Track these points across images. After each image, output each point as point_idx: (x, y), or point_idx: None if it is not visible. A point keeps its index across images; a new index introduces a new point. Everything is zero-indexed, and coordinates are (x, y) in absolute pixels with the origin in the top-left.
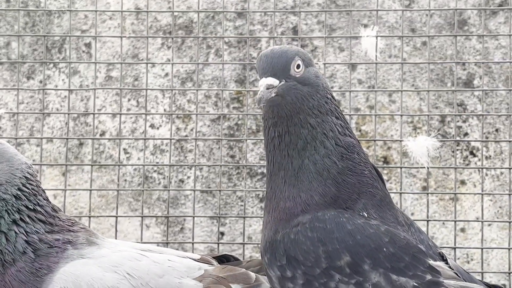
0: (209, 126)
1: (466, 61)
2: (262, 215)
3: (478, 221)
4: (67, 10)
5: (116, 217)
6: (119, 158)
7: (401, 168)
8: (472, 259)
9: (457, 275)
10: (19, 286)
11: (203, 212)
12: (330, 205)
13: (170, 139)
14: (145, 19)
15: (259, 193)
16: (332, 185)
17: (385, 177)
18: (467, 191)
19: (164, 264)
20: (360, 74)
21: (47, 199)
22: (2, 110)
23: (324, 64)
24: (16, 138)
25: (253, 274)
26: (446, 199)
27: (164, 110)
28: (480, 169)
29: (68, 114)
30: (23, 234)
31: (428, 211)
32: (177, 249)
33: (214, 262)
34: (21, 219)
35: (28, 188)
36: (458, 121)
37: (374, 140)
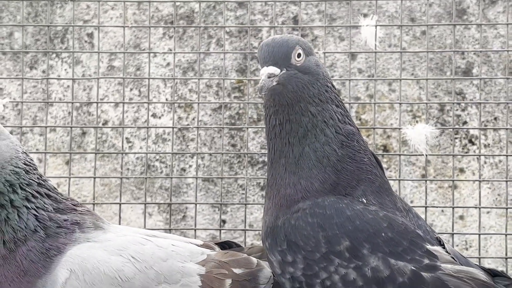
0: (210, 115)
1: (463, 49)
2: (263, 203)
3: (476, 207)
4: (70, 0)
5: (120, 204)
6: (122, 146)
7: (399, 155)
8: (470, 246)
9: (454, 259)
10: (29, 266)
11: (205, 200)
12: (329, 192)
13: (173, 127)
14: (147, 9)
15: (260, 181)
16: (332, 172)
17: (384, 165)
18: (466, 179)
19: (168, 248)
20: (360, 63)
21: (45, 177)
22: (6, 100)
23: (324, 53)
24: (20, 127)
25: (254, 259)
26: (445, 187)
27: (166, 99)
28: (478, 157)
29: (72, 103)
30: (34, 210)
31: (426, 198)
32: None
33: (217, 248)
34: (31, 194)
35: (30, 163)
36: (457, 109)
37: (373, 128)
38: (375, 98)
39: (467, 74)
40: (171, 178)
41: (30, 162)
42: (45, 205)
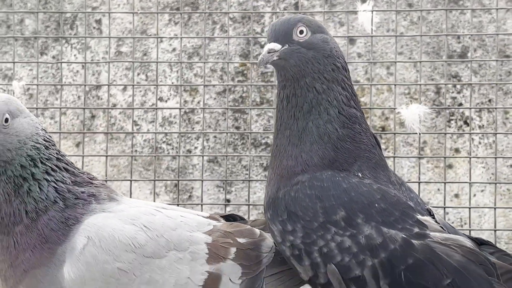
0: (215, 98)
1: (456, 33)
2: (266, 183)
3: (465, 182)
4: None
5: (130, 180)
6: (132, 127)
7: (394, 134)
8: (465, 223)
9: (443, 228)
10: (49, 234)
11: (210, 181)
12: (327, 167)
13: (180, 108)
14: None
15: (263, 162)
16: (331, 149)
17: (383, 146)
18: (461, 158)
19: (177, 219)
20: (359, 48)
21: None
22: (23, 82)
23: None
24: (37, 108)
25: (257, 230)
26: (441, 166)
27: (172, 83)
28: (469, 135)
29: (85, 85)
30: (53, 182)
31: (419, 174)
32: None
33: (222, 220)
34: (51, 168)
35: (48, 139)
36: (452, 92)
37: (370, 108)
38: (371, 80)
39: (462, 58)
40: (178, 156)
41: (49, 139)
42: (64, 178)
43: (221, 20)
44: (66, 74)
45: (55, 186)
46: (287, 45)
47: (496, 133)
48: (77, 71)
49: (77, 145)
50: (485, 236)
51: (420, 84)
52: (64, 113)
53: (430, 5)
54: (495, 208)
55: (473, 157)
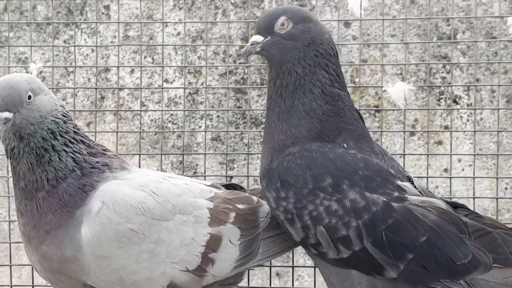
0: (217, 80)
1: (444, 16)
2: (261, 156)
3: (446, 154)
4: None
5: (140, 154)
6: (140, 107)
7: (382, 110)
8: (454, 196)
9: (421, 193)
10: (69, 198)
11: (214, 157)
12: (315, 139)
13: (184, 88)
14: None
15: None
16: (317, 122)
17: (376, 124)
18: (450, 135)
19: (182, 186)
20: (354, 30)
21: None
22: (40, 65)
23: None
24: (52, 88)
25: (255, 198)
26: (431, 142)
27: (177, 66)
28: (457, 111)
29: (97, 67)
30: (71, 153)
31: (404, 147)
32: None
33: (223, 188)
34: (69, 141)
35: (66, 114)
36: (442, 72)
37: (359, 87)
38: (369, 62)
39: (451, 40)
40: (183, 132)
41: (66, 114)
42: (81, 150)
43: (223, 5)
44: (77, 57)
45: (73, 156)
46: (269, 37)
47: (475, 108)
48: (87, 55)
49: (88, 124)
50: (472, 207)
51: (405, 64)
52: (75, 94)
53: None
54: (474, 178)
55: (453, 130)
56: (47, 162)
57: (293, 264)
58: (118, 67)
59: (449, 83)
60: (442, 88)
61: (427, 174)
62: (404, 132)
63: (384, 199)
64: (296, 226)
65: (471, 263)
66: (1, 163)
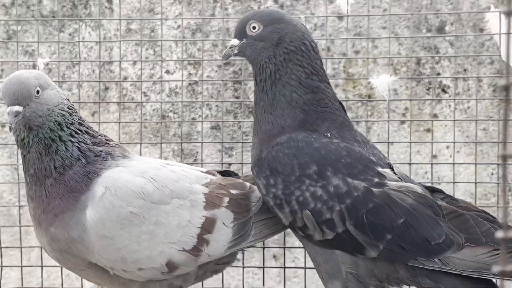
0: (216, 71)
1: (432, 12)
2: (251, 147)
3: (429, 142)
4: None
5: (140, 143)
6: (141, 97)
7: (366, 101)
8: (442, 181)
9: (400, 178)
10: (74, 185)
11: (213, 145)
12: (300, 127)
13: (182, 81)
14: None
15: None
16: (300, 111)
17: (368, 112)
18: (439, 123)
19: (179, 173)
20: (347, 23)
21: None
22: (47, 59)
23: (306, 17)
24: (58, 81)
25: (248, 184)
26: (421, 130)
27: (177, 57)
28: (446, 102)
29: (100, 61)
30: (77, 143)
31: (388, 135)
32: None
33: (218, 175)
34: (75, 132)
35: (72, 108)
36: (431, 63)
37: (347, 79)
38: (360, 54)
39: (440, 32)
40: (181, 122)
41: (72, 107)
42: (85, 140)
43: None
44: (82, 50)
45: (78, 146)
46: (244, 39)
47: (454, 98)
48: (91, 47)
49: (93, 114)
50: (460, 192)
51: (390, 57)
52: (80, 85)
53: None
54: (453, 164)
55: (435, 120)
56: (54, 151)
57: (284, 244)
58: (120, 61)
59: (438, 73)
60: (431, 78)
61: (410, 160)
62: (389, 121)
63: (365, 184)
64: (285, 210)
65: (445, 242)
66: (11, 152)
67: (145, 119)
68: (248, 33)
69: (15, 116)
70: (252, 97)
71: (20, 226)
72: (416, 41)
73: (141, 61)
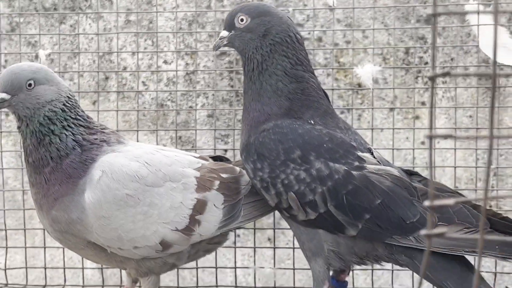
0: (213, 61)
1: (421, 5)
2: (240, 133)
3: (412, 129)
4: None
5: (137, 131)
6: (137, 87)
7: (352, 89)
8: (431, 166)
9: (379, 162)
10: (72, 171)
11: (209, 132)
12: (285, 115)
13: (176, 70)
14: None
15: None
16: (286, 100)
17: (359, 100)
18: (427, 110)
19: (172, 157)
20: (338, 14)
21: (83, 111)
22: (48, 51)
23: (294, 10)
24: (59, 73)
25: (238, 168)
26: (409, 117)
27: (175, 48)
28: (428, 88)
29: (98, 52)
30: (71, 135)
31: (372, 122)
32: None
33: (210, 160)
34: (68, 125)
35: (69, 104)
36: (419, 52)
37: (332, 69)
38: (351, 44)
39: (428, 22)
40: (176, 110)
41: (69, 104)
42: (80, 132)
43: None
44: (83, 41)
45: (73, 138)
46: (233, 31)
47: (433, 87)
48: (92, 38)
49: (94, 103)
50: (447, 177)
51: (373, 48)
52: (81, 75)
53: None
54: (434, 149)
55: (418, 107)
56: (48, 143)
57: (274, 226)
58: (117, 52)
59: (426, 63)
60: (420, 67)
61: (404, 144)
62: (373, 109)
63: (345, 168)
64: (271, 192)
65: (419, 221)
66: (15, 140)
67: (144, 107)
68: (237, 25)
69: (1, 103)
70: None
71: (24, 209)
72: (405, 31)
73: (138, 52)
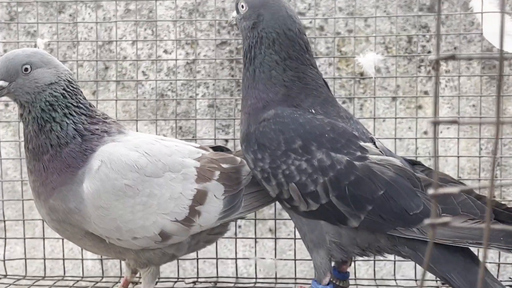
0: (213, 50)
1: None
2: (239, 123)
3: (414, 118)
4: None
5: (137, 120)
6: (137, 76)
7: (354, 79)
8: (433, 156)
9: (382, 152)
10: (71, 160)
11: (210, 122)
12: (283, 101)
13: (176, 59)
14: None
15: None
16: (282, 86)
17: (361, 90)
18: (430, 100)
19: (172, 147)
20: (340, 2)
21: (85, 99)
22: (46, 40)
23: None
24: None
25: (239, 158)
26: (412, 107)
27: (175, 37)
28: (431, 78)
29: (97, 41)
30: (72, 124)
31: (374, 111)
32: None
33: (210, 150)
34: (69, 113)
35: (70, 89)
36: (422, 41)
37: (334, 57)
38: (353, 33)
39: (431, 10)
40: (175, 99)
41: (70, 89)
42: (82, 121)
43: None
44: (82, 30)
45: (74, 126)
46: (237, 15)
47: (435, 76)
48: (91, 28)
49: (93, 93)
50: (450, 167)
51: (375, 36)
52: (81, 65)
53: None
54: (437, 138)
55: (421, 96)
56: (49, 130)
57: (275, 217)
58: (116, 41)
59: (429, 51)
60: (422, 56)
61: (407, 134)
62: (375, 98)
63: (347, 158)
64: (272, 183)
65: (422, 213)
66: (15, 130)
67: (144, 97)
68: (239, 10)
69: (0, 90)
70: None
71: (23, 200)
72: (408, 20)
73: (137, 40)
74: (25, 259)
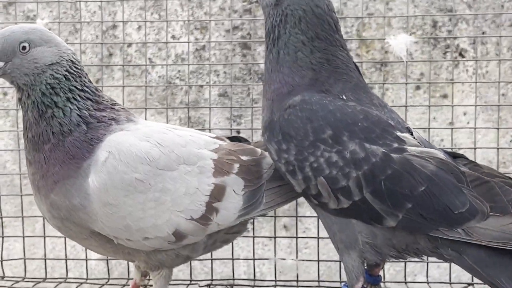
0: (224, 36)
1: None
2: (261, 110)
3: (446, 105)
4: None
5: (145, 108)
6: (146, 62)
7: (380, 66)
8: (459, 149)
9: (420, 143)
10: (75, 151)
11: (221, 113)
12: (310, 86)
13: (188, 42)
14: None
15: None
16: (309, 70)
17: (381, 78)
18: (456, 88)
19: (186, 137)
20: None
21: (90, 82)
22: (45, 21)
23: None
24: None
25: (259, 150)
26: (437, 96)
27: (184, 22)
28: (464, 66)
29: (102, 22)
30: (76, 109)
31: (406, 98)
32: None
33: (227, 140)
34: (73, 97)
35: (74, 71)
36: (448, 25)
37: (360, 39)
38: (374, 16)
39: None
40: (185, 86)
41: (73, 70)
42: (87, 106)
43: None
44: (85, 14)
45: (78, 112)
46: None
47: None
48: (94, 12)
49: (97, 81)
50: (478, 159)
51: (392, 17)
52: (83, 51)
53: None
54: (475, 128)
55: (454, 82)
56: (50, 117)
57: (296, 214)
58: (123, 21)
59: (455, 36)
60: (448, 42)
61: (431, 125)
62: (407, 84)
63: (383, 150)
64: (298, 177)
65: (468, 211)
66: (13, 121)
67: (151, 86)
68: None
69: None
70: (262, 63)
71: (22, 195)
72: (432, 2)
73: (145, 21)
74: (24, 259)
